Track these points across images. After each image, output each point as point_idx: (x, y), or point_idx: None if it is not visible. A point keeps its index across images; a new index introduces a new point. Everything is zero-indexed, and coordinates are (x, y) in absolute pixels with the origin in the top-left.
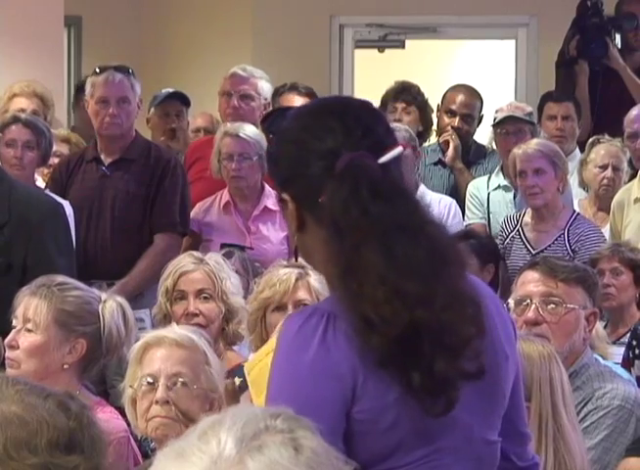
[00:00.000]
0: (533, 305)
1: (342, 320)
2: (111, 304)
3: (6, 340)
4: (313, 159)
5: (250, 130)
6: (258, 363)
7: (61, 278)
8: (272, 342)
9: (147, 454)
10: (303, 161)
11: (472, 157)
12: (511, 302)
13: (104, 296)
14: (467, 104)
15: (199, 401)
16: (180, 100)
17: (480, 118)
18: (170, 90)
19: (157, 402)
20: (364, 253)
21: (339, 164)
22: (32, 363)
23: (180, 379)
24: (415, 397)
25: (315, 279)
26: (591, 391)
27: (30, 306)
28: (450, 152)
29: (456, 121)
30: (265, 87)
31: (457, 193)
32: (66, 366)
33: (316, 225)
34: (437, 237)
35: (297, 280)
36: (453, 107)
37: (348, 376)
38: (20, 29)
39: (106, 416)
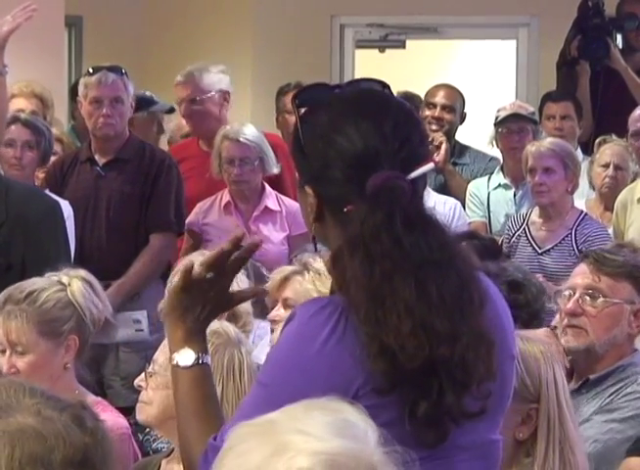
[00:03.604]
0: (574, 297)
1: (353, 314)
2: (76, 285)
3: (4, 370)
4: (342, 162)
5: (250, 134)
6: None
7: (22, 286)
8: None
9: (148, 454)
10: (331, 162)
11: (456, 157)
12: (565, 293)
13: (65, 279)
14: (447, 96)
15: (167, 389)
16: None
17: (464, 117)
18: (168, 105)
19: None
20: (396, 283)
21: (371, 182)
22: (38, 380)
23: (153, 367)
24: (412, 424)
25: (307, 280)
26: (635, 379)
27: (12, 330)
28: (441, 155)
29: (437, 112)
30: (210, 79)
31: (447, 194)
32: (68, 366)
33: (335, 224)
34: (465, 273)
35: (286, 278)
36: (433, 100)
37: (349, 377)
38: (20, 29)
39: (107, 415)
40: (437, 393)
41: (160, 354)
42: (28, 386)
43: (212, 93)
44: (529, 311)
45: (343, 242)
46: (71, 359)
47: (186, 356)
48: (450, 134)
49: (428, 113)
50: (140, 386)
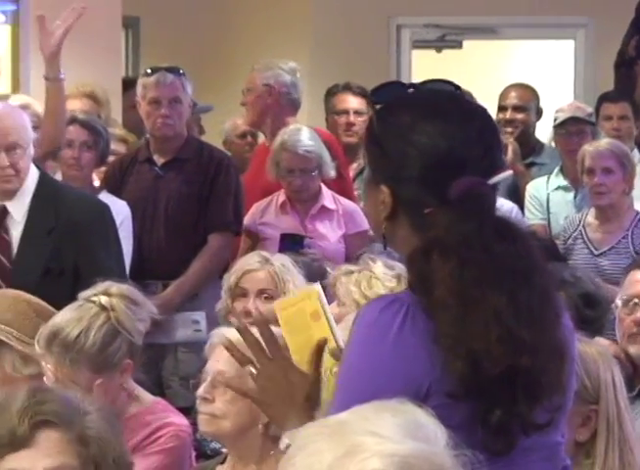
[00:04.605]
0: None
1: (420, 312)
2: (119, 307)
3: None
4: (424, 164)
5: (308, 143)
6: (294, 306)
7: (69, 323)
8: (307, 290)
9: (206, 455)
10: (413, 164)
11: (534, 156)
12: (618, 301)
13: (105, 300)
14: (518, 97)
15: (242, 402)
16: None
17: (540, 113)
18: (208, 106)
19: (198, 399)
20: (486, 290)
21: (456, 188)
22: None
23: (222, 378)
24: (484, 432)
25: (351, 282)
26: None
27: (64, 376)
28: (509, 155)
29: (508, 114)
30: (263, 74)
31: (518, 196)
32: (125, 386)
33: (410, 225)
34: (548, 282)
35: (337, 277)
36: (504, 102)
37: (424, 371)
38: (78, 30)
39: (169, 415)
40: (511, 402)
41: (228, 365)
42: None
43: (259, 86)
44: (596, 328)
45: (427, 243)
46: (127, 379)
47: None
48: (527, 134)
49: (500, 116)
50: (206, 398)
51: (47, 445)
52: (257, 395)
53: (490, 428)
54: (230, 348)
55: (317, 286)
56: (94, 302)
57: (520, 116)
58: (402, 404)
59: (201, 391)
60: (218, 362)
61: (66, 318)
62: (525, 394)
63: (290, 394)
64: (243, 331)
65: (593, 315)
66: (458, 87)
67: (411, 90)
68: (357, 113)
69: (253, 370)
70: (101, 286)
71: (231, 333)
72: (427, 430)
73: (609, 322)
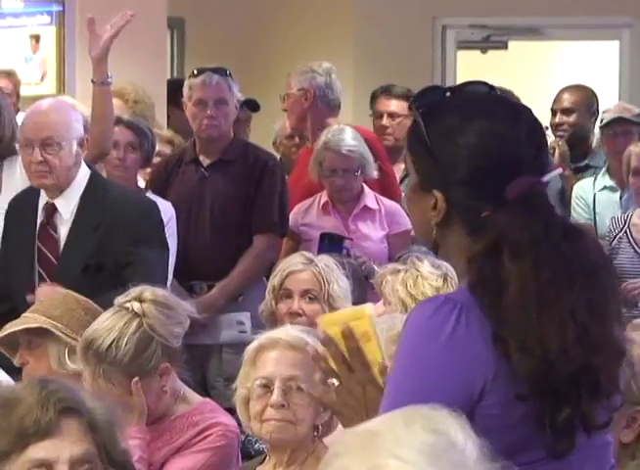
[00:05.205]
0: None
1: (474, 312)
2: (151, 312)
3: None
4: (478, 167)
5: (351, 143)
6: (341, 325)
7: (103, 333)
8: (358, 310)
9: (250, 455)
10: (463, 166)
11: (591, 158)
12: None
13: (137, 306)
14: (567, 99)
15: (314, 404)
16: (249, 106)
17: (595, 114)
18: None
19: (272, 406)
20: (561, 289)
21: (515, 188)
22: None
23: (295, 383)
24: (550, 430)
25: (398, 281)
26: None
27: (102, 389)
28: (556, 159)
29: (557, 118)
30: (297, 78)
31: (566, 199)
32: (166, 389)
33: (465, 228)
34: (612, 281)
35: (383, 276)
36: (554, 106)
37: (479, 371)
38: (123, 32)
39: (214, 414)
40: (576, 401)
41: (297, 369)
42: None
43: (295, 91)
44: None
45: (493, 244)
46: (168, 382)
47: None
48: (580, 136)
49: (551, 120)
50: (283, 405)
51: (69, 432)
52: (338, 408)
53: (557, 427)
54: (317, 359)
55: (370, 306)
56: (127, 308)
57: (569, 118)
58: (435, 412)
59: (275, 398)
60: (281, 367)
61: (100, 327)
62: (590, 392)
63: (367, 407)
64: (327, 343)
65: None
66: (492, 87)
67: (449, 93)
68: (391, 115)
69: (336, 382)
70: (135, 291)
71: (279, 334)
72: (455, 450)
73: None
